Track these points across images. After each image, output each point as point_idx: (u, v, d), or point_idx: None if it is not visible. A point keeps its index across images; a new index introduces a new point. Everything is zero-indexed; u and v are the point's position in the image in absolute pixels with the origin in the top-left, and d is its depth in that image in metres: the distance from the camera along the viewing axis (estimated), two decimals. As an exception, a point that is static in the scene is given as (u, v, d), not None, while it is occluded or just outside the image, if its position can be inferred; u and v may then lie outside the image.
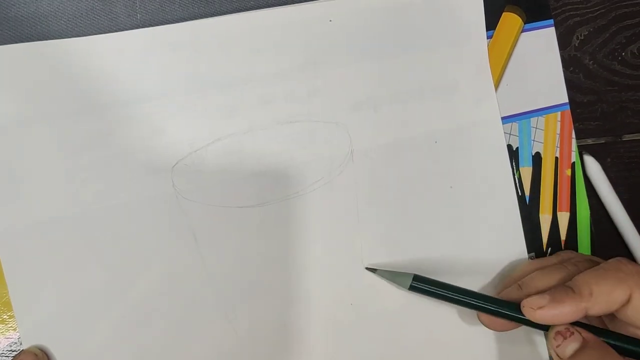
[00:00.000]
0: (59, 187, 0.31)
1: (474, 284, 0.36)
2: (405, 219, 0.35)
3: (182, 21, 0.33)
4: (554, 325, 0.30)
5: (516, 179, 0.37)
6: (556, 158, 0.38)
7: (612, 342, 0.29)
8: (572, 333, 0.29)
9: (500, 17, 0.37)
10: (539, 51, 0.38)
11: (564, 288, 0.30)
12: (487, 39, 0.37)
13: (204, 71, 0.33)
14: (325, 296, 0.34)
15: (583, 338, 0.28)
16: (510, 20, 0.37)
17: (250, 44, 0.33)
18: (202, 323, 0.32)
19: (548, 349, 0.35)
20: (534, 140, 0.38)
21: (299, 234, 0.34)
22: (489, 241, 0.36)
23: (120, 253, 0.31)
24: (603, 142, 0.39)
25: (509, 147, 0.37)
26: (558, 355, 0.29)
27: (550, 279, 0.31)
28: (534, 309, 0.29)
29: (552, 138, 0.38)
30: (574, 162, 0.38)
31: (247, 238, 0.33)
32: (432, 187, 0.36)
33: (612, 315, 0.31)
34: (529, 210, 0.37)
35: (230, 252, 0.33)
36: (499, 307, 0.31)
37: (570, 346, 0.28)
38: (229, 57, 0.33)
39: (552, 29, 0.38)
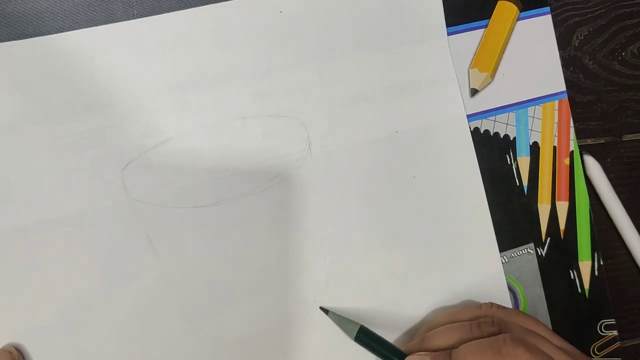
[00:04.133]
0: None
1: (442, 280, 0.36)
2: (367, 212, 0.35)
3: (181, 18, 0.32)
4: None
5: (514, 169, 0.37)
6: (554, 147, 0.38)
7: None
8: None
9: (495, 5, 0.37)
10: (536, 40, 0.38)
11: (445, 356, 0.30)
12: (483, 27, 0.37)
13: (152, 70, 0.32)
14: (286, 294, 0.33)
15: None
16: (506, 8, 0.37)
17: (194, 41, 0.32)
18: (161, 325, 0.32)
19: None
20: (531, 130, 0.38)
21: (258, 232, 0.33)
22: (455, 234, 0.36)
23: (83, 258, 0.31)
24: (603, 142, 0.39)
25: (506, 137, 0.37)
26: None
27: (450, 337, 0.31)
28: None
29: (549, 127, 0.38)
30: (572, 151, 0.38)
31: (203, 238, 0.32)
32: (395, 180, 0.35)
33: None
34: (527, 200, 0.37)
35: (186, 253, 0.32)
36: None
37: None
38: (176, 54, 0.32)
39: (549, 17, 0.38)
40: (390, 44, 0.35)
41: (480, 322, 0.31)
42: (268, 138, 0.33)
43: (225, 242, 0.32)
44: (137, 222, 0.31)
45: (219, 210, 0.32)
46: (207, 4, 0.33)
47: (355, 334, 0.32)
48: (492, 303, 0.34)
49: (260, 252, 0.33)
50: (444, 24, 0.36)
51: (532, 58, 0.38)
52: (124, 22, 0.32)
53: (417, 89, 0.35)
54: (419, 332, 0.34)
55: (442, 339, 0.31)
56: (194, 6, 0.33)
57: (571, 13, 0.39)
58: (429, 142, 0.36)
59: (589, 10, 0.39)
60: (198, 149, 0.32)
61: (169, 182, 0.32)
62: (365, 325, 0.32)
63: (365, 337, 0.32)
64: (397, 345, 0.33)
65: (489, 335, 0.30)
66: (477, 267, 0.36)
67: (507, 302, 0.37)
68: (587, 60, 0.39)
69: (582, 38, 0.39)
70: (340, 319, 0.33)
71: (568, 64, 0.39)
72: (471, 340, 0.30)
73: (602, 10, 0.39)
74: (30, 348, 0.30)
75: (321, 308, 0.34)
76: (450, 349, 0.30)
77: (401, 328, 0.35)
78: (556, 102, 0.38)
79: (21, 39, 0.31)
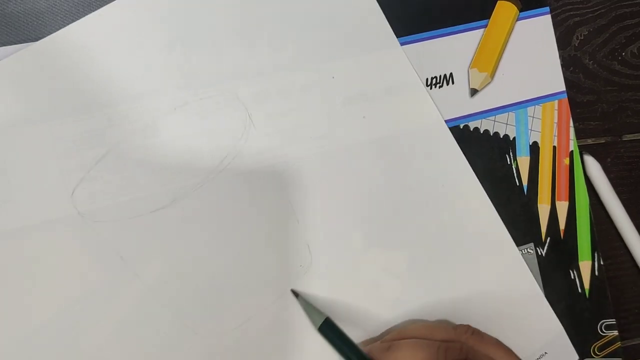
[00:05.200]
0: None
1: (443, 279, 0.36)
2: (364, 212, 0.34)
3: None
4: None
5: (513, 169, 0.37)
6: (554, 147, 0.38)
7: None
8: None
9: (495, 5, 0.37)
10: (535, 40, 0.38)
11: None
12: (483, 27, 0.37)
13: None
14: (273, 267, 0.33)
15: None
16: (505, 8, 0.37)
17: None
18: (161, 337, 0.31)
19: None
20: (531, 130, 0.38)
21: (226, 216, 0.32)
22: (459, 233, 0.36)
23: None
24: (603, 142, 0.39)
25: (506, 137, 0.37)
26: None
27: (414, 353, 0.31)
28: None
29: (549, 127, 0.38)
30: (572, 151, 0.38)
31: (173, 240, 0.32)
32: (388, 182, 0.35)
33: None
34: (526, 200, 0.37)
35: (162, 260, 0.31)
36: None
37: None
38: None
39: (548, 17, 0.38)
40: (348, 53, 0.35)
41: (449, 346, 0.31)
42: (204, 121, 0.32)
43: (196, 236, 0.32)
44: (103, 242, 0.31)
45: (180, 207, 0.31)
46: (207, 4, 0.33)
47: (319, 324, 0.31)
48: (468, 327, 0.33)
49: (234, 235, 0.32)
50: (392, 33, 0.35)
51: (532, 58, 0.38)
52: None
53: (382, 98, 0.35)
54: (388, 336, 0.34)
55: (406, 353, 0.31)
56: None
57: (571, 13, 0.39)
58: (410, 145, 0.35)
59: (589, 10, 0.39)
60: (138, 153, 0.31)
61: (120, 194, 0.31)
62: (335, 318, 0.32)
63: (329, 329, 0.31)
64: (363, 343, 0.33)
65: None
66: (489, 262, 0.36)
67: (536, 291, 0.37)
68: (587, 60, 0.39)
69: (582, 38, 0.39)
70: (308, 306, 0.32)
71: (568, 64, 0.39)
72: None
73: (602, 10, 0.39)
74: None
75: (292, 291, 0.33)
76: None
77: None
78: (556, 102, 0.38)
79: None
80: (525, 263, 0.37)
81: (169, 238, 0.32)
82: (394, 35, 0.35)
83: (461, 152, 0.36)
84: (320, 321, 0.32)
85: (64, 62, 0.31)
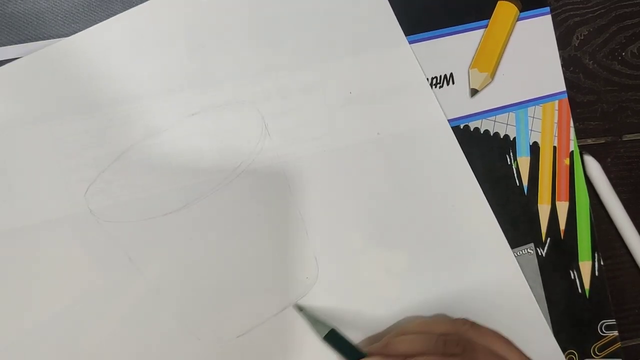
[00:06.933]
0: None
1: (443, 279, 0.36)
2: (365, 212, 0.34)
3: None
4: None
5: (514, 169, 0.37)
6: (554, 147, 0.38)
7: None
8: None
9: (495, 5, 0.37)
10: (535, 40, 0.38)
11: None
12: (483, 28, 0.37)
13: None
14: (279, 277, 0.33)
15: None
16: (505, 9, 0.37)
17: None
18: (163, 340, 0.31)
19: None
20: (531, 130, 0.38)
21: (236, 223, 0.32)
22: (455, 234, 0.36)
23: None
24: (603, 142, 0.39)
25: (506, 137, 0.37)
26: None
27: (412, 346, 0.31)
28: None
29: (549, 127, 0.38)
30: (572, 151, 0.38)
31: (181, 244, 0.32)
32: (389, 182, 0.35)
33: None
34: (527, 200, 0.37)
35: (169, 263, 0.32)
36: None
37: None
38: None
39: (549, 17, 0.38)
40: (353, 51, 0.35)
41: (447, 339, 0.31)
42: (221, 129, 0.32)
43: (206, 242, 0.32)
44: (112, 243, 0.31)
45: (191, 212, 0.32)
46: (207, 4, 0.33)
47: (325, 334, 0.32)
48: (466, 320, 0.33)
49: (243, 243, 0.33)
50: (400, 32, 0.35)
51: (532, 58, 0.38)
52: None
53: (387, 97, 0.35)
54: (387, 336, 0.34)
55: (404, 346, 0.31)
56: (194, 6, 0.33)
57: (571, 13, 0.39)
58: (412, 145, 0.35)
59: (589, 10, 0.39)
60: (153, 156, 0.32)
61: (134, 195, 0.31)
62: (341, 327, 0.32)
63: (333, 338, 0.32)
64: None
65: (450, 355, 0.30)
66: (484, 265, 0.36)
67: (529, 296, 0.37)
68: (587, 60, 0.39)
69: (582, 38, 0.39)
70: (312, 319, 0.33)
71: (568, 64, 0.39)
72: (430, 356, 0.30)
73: (602, 10, 0.39)
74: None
75: (295, 306, 0.33)
76: (409, 356, 0.30)
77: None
78: (556, 102, 0.38)
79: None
80: (519, 266, 0.37)
81: (178, 242, 0.32)
82: (403, 34, 0.35)
83: (462, 153, 0.36)
84: (325, 332, 0.32)
85: (66, 62, 0.31)
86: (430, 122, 0.36)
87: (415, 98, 0.35)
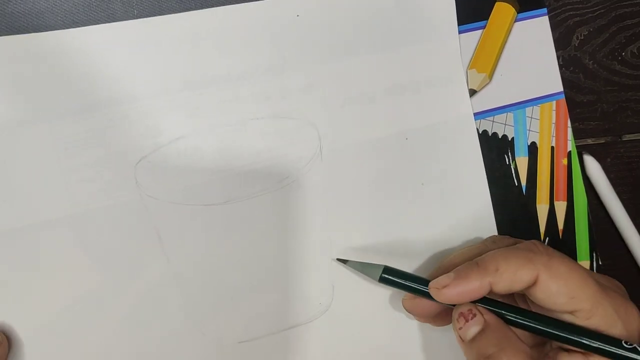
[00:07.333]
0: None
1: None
2: (376, 217, 0.35)
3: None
4: (458, 306, 0.29)
5: (512, 169, 0.37)
6: (552, 147, 0.38)
7: (513, 318, 0.28)
8: (474, 315, 0.28)
9: (493, 6, 0.37)
10: (533, 40, 0.38)
11: (469, 264, 0.29)
12: (481, 29, 0.37)
13: (170, 69, 0.32)
14: (292, 295, 0.33)
15: (485, 320, 0.28)
16: (503, 10, 0.37)
17: (216, 41, 0.33)
18: (165, 323, 0.32)
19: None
20: (529, 130, 0.38)
21: (267, 232, 0.33)
22: (461, 239, 0.36)
23: (84, 257, 0.31)
24: (603, 142, 0.39)
25: (505, 137, 0.37)
26: (460, 338, 0.28)
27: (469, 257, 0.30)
28: (439, 288, 0.28)
29: (547, 127, 0.38)
30: (570, 151, 0.38)
31: (213, 236, 0.32)
32: (403, 185, 0.35)
33: (526, 298, 0.30)
34: (525, 200, 0.37)
35: (196, 251, 0.32)
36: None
37: (472, 329, 0.28)
38: (195, 54, 0.32)
39: (546, 18, 0.38)
40: (400, 43, 0.35)
41: (495, 237, 0.30)
42: (280, 140, 0.33)
43: (234, 241, 0.32)
44: (148, 218, 0.31)
45: (229, 209, 0.32)
46: (207, 5, 0.33)
47: (379, 275, 0.31)
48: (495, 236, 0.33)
49: (268, 252, 0.33)
50: (455, 23, 0.36)
51: (530, 59, 0.38)
52: (125, 21, 0.32)
53: (425, 90, 0.35)
54: (439, 269, 0.32)
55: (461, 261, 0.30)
56: (194, 8, 0.33)
57: (571, 13, 0.39)
58: (436, 143, 0.36)
59: (589, 10, 0.39)
60: (211, 148, 0.32)
61: (180, 179, 0.32)
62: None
63: (390, 275, 0.31)
64: None
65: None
66: None
67: None
68: (587, 60, 0.39)
69: (582, 38, 0.39)
70: (360, 265, 0.32)
71: (568, 64, 0.39)
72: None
73: (602, 10, 0.39)
74: (31, 348, 0.30)
75: (338, 259, 0.33)
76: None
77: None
78: (554, 102, 0.38)
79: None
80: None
81: (209, 234, 0.32)
82: (456, 25, 0.36)
83: (481, 154, 0.36)
84: (379, 271, 0.31)
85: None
86: (459, 119, 0.36)
87: (449, 92, 0.36)
